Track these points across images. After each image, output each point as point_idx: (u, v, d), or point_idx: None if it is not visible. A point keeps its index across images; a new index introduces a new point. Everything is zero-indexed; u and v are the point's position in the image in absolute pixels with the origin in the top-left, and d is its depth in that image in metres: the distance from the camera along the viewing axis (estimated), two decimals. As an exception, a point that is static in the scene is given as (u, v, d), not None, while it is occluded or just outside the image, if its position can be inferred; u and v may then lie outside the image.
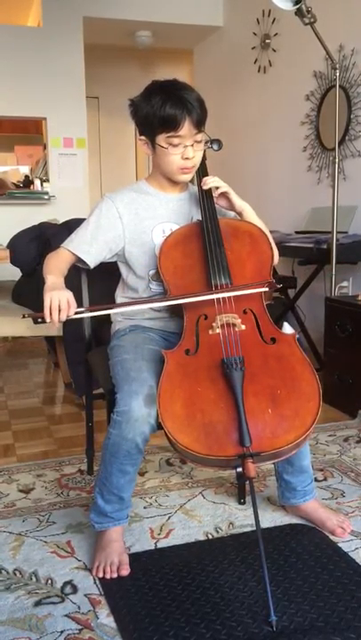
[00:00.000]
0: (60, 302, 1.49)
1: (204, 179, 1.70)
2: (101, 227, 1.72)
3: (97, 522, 1.63)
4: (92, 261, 1.72)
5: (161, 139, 1.62)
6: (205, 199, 1.70)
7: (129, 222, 1.73)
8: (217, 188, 1.70)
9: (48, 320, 1.49)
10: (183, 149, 1.63)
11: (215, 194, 1.71)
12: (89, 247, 1.71)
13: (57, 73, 4.99)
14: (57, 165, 5.14)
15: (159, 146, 1.64)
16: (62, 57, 5.00)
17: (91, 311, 1.58)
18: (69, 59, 5.02)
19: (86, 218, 1.77)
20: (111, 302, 1.88)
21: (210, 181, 1.69)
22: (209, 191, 1.71)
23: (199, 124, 1.62)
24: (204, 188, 1.70)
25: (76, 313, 1.52)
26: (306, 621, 1.36)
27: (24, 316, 1.54)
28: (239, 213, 1.75)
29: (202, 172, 1.74)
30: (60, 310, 1.49)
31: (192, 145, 1.63)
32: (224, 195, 1.72)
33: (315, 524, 1.77)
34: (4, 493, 2.04)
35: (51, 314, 1.48)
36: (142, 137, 1.68)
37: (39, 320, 1.50)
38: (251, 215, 1.75)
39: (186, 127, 1.59)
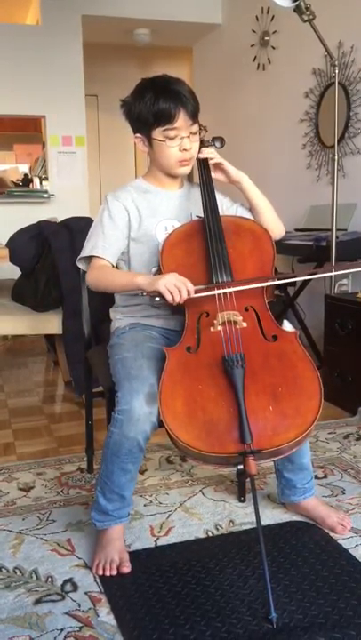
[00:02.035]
0: (176, 284, 1.48)
1: (202, 149, 1.73)
2: (117, 227, 1.72)
3: (98, 520, 1.63)
4: (114, 261, 1.73)
5: (157, 133, 1.63)
6: (207, 196, 1.70)
7: (134, 220, 1.73)
8: (211, 158, 1.73)
9: (174, 304, 1.48)
10: (180, 141, 1.64)
11: (211, 162, 1.73)
12: (111, 248, 1.71)
13: (56, 71, 4.99)
14: (56, 164, 5.13)
15: (156, 140, 1.64)
16: (61, 55, 4.99)
17: (210, 289, 1.53)
18: (68, 57, 5.01)
19: (93, 220, 1.77)
20: (111, 302, 1.88)
21: (206, 151, 1.73)
22: (211, 188, 1.71)
23: (194, 115, 1.63)
24: (201, 156, 1.72)
25: (196, 292, 1.51)
26: (306, 618, 1.36)
27: (143, 295, 1.52)
28: (237, 183, 1.76)
29: (205, 168, 1.74)
30: (180, 290, 1.48)
31: (188, 136, 1.64)
32: (219, 167, 1.73)
33: (315, 521, 1.77)
34: (4, 492, 2.04)
35: (174, 297, 1.47)
36: (138, 135, 1.69)
37: (158, 299, 1.49)
38: (248, 185, 1.76)
39: (181, 119, 1.60)
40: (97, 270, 1.69)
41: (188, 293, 1.49)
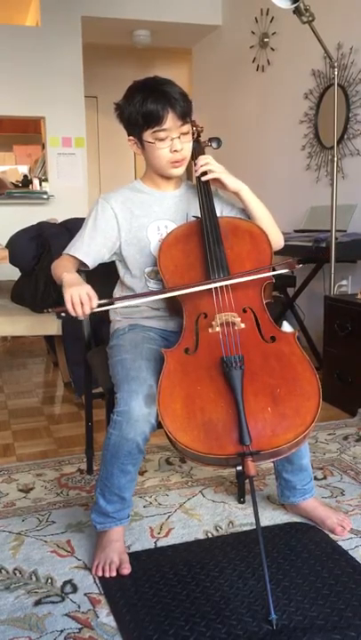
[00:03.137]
0: (80, 296, 1.49)
1: (199, 157, 1.71)
2: (98, 228, 1.73)
3: (99, 522, 1.63)
4: (90, 262, 1.73)
5: (147, 135, 1.63)
6: (204, 196, 1.70)
7: (124, 221, 1.73)
8: (210, 171, 1.70)
9: (73, 314, 1.50)
10: (170, 142, 1.63)
11: (204, 178, 1.70)
12: (87, 248, 1.72)
13: (55, 72, 4.99)
14: (56, 165, 5.14)
15: (147, 142, 1.64)
16: (61, 56, 4.99)
17: (113, 303, 1.56)
18: (68, 58, 5.02)
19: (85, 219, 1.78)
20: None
21: (202, 164, 1.70)
22: (208, 188, 1.71)
23: (183, 116, 1.61)
24: (197, 171, 1.70)
25: (100, 305, 1.53)
26: (306, 620, 1.36)
27: (47, 311, 1.54)
28: (236, 194, 1.74)
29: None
30: (82, 304, 1.49)
31: (179, 137, 1.63)
32: (217, 179, 1.72)
33: (314, 522, 1.77)
34: (4, 493, 2.04)
35: (74, 309, 1.49)
36: (130, 137, 1.69)
37: (62, 314, 1.51)
38: (248, 196, 1.73)
39: (170, 120, 1.59)
40: (57, 262, 1.75)
41: (91, 309, 1.50)
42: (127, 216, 1.73)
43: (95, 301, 1.51)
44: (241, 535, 1.74)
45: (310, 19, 2.79)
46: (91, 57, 5.32)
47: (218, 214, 1.71)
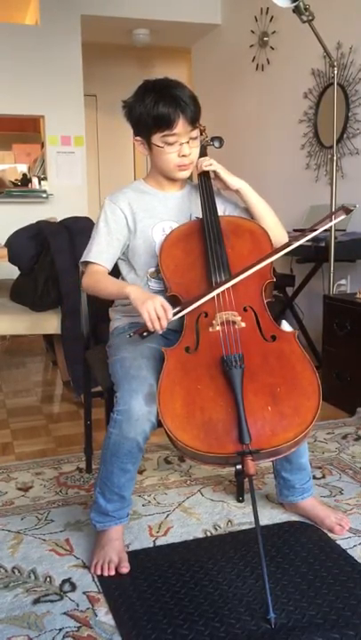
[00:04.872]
0: (156, 311, 1.49)
1: (201, 159, 1.72)
2: (112, 231, 1.73)
3: (98, 521, 1.63)
4: (111, 266, 1.75)
5: (156, 138, 1.63)
6: (206, 196, 1.70)
7: (132, 222, 1.73)
8: (208, 165, 1.71)
9: (152, 330, 1.50)
10: (179, 147, 1.63)
11: (205, 167, 1.72)
12: (107, 254, 1.72)
13: (55, 71, 4.98)
14: (55, 164, 5.13)
15: (155, 145, 1.64)
16: (60, 55, 4.98)
17: (185, 308, 1.53)
18: (67, 57, 5.01)
19: (92, 220, 1.78)
20: (110, 302, 1.88)
21: (205, 164, 1.72)
22: (210, 187, 1.71)
23: (193, 121, 1.62)
24: (198, 171, 1.72)
25: (175, 314, 1.52)
26: (304, 618, 1.36)
27: (130, 336, 1.53)
28: (236, 192, 1.75)
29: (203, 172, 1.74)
30: (159, 318, 1.49)
31: (188, 142, 1.63)
32: (216, 175, 1.73)
33: (313, 521, 1.77)
34: (3, 491, 2.04)
35: (153, 325, 1.49)
36: (138, 137, 1.69)
37: (145, 334, 1.51)
38: (249, 193, 1.74)
39: (180, 125, 1.59)
40: (90, 276, 1.72)
41: (168, 320, 1.49)
42: (133, 217, 1.73)
43: (170, 312, 1.50)
44: (240, 534, 1.74)
45: (310, 18, 2.79)
46: (90, 56, 5.32)
47: (220, 213, 1.72)
